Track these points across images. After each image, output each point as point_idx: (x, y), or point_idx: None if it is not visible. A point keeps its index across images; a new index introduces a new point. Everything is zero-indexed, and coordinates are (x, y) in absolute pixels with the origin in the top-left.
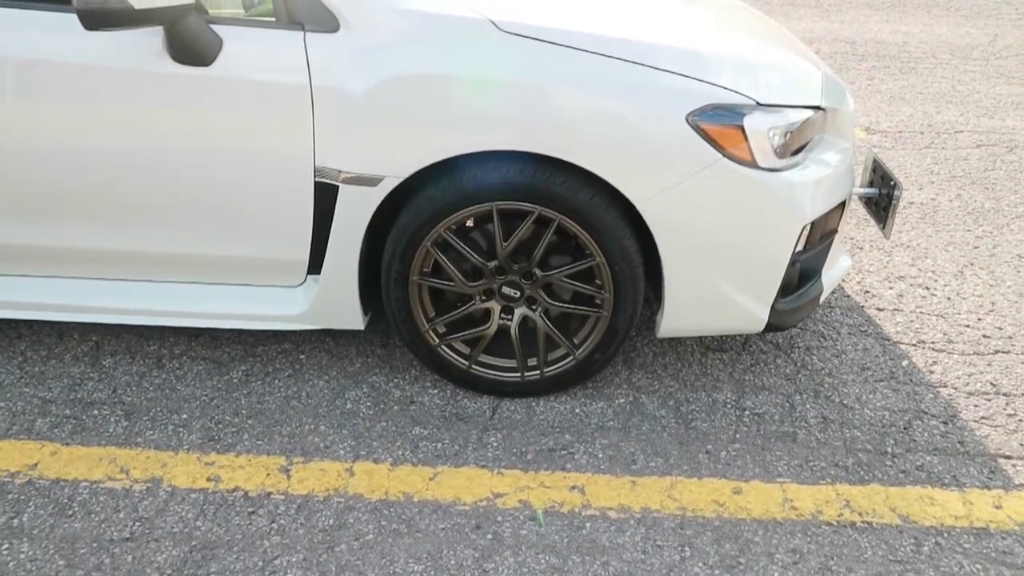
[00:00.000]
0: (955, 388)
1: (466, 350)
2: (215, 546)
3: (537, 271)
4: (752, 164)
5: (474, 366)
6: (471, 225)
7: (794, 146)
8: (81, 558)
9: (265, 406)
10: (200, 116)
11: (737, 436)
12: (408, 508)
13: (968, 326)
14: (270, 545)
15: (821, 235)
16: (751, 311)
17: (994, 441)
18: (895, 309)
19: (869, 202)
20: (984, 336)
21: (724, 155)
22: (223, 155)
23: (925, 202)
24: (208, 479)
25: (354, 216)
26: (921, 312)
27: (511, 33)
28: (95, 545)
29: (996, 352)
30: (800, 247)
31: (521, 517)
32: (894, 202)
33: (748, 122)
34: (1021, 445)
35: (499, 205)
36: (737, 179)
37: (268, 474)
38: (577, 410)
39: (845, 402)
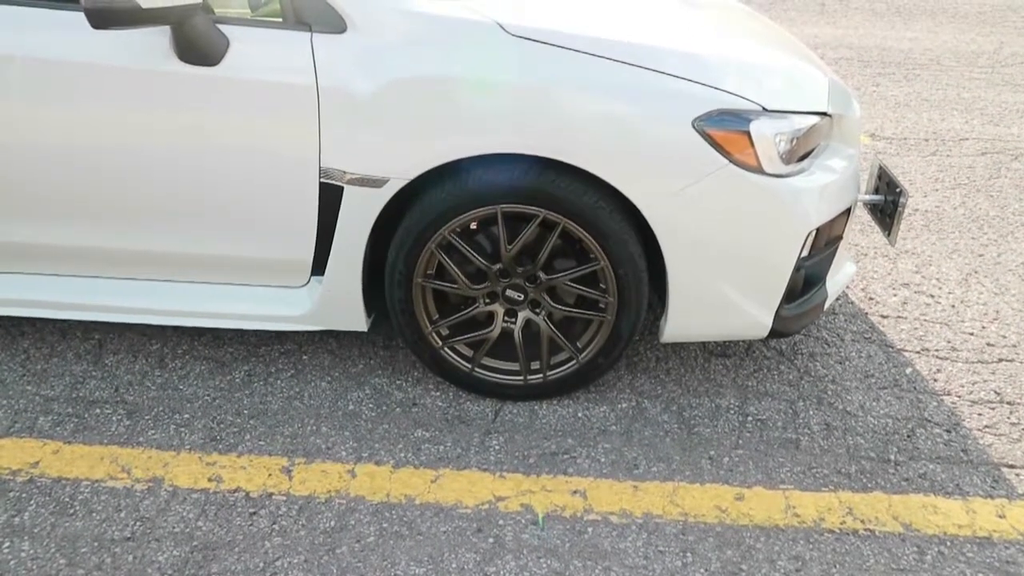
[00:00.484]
0: (959, 396)
1: (469, 353)
2: (216, 546)
3: (541, 274)
4: (758, 170)
5: (477, 369)
6: (475, 228)
7: (800, 152)
8: (82, 557)
9: (267, 406)
10: (205, 116)
11: (740, 442)
12: (410, 510)
13: (972, 334)
14: (271, 546)
15: (826, 241)
16: (755, 317)
17: (997, 450)
18: (899, 316)
19: (874, 209)
20: (988, 344)
21: (730, 161)
22: (228, 155)
23: (930, 209)
24: (210, 479)
25: (359, 218)
26: (925, 320)
27: (518, 36)
28: (96, 544)
29: (1000, 360)
30: (805, 253)
31: (523, 521)
32: (899, 209)
33: (754, 128)
34: None
35: (504, 208)
36: (743, 185)
37: (270, 475)
38: (580, 414)
39: (848, 409)
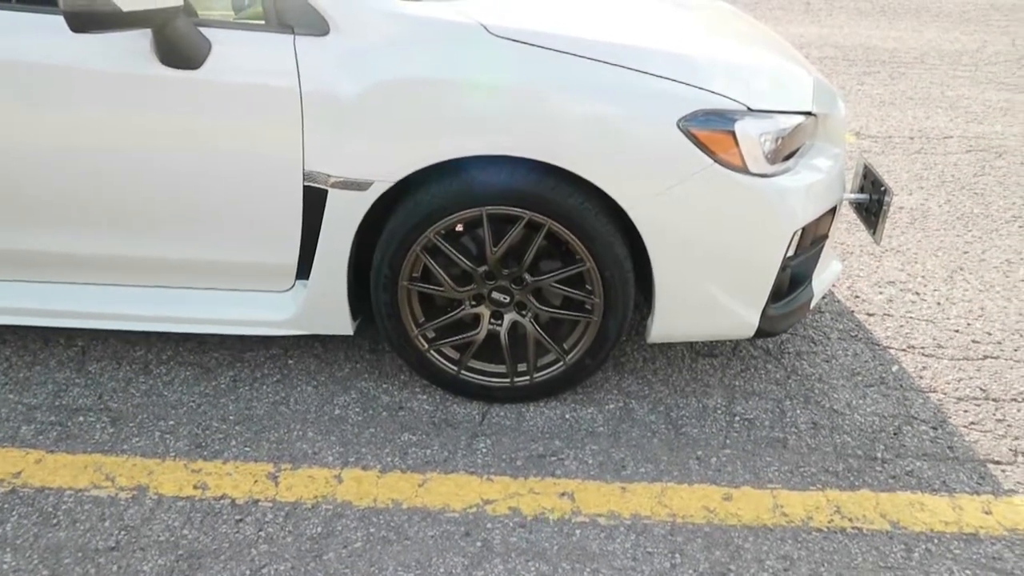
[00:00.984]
0: (944, 393)
1: (455, 355)
2: (202, 555)
3: (527, 276)
4: (743, 170)
5: (463, 371)
6: (461, 230)
7: (785, 151)
8: (66, 568)
9: (253, 412)
10: (188, 119)
11: (727, 442)
12: (397, 515)
13: (958, 331)
14: (258, 553)
15: (812, 240)
16: (742, 316)
17: (983, 446)
18: (885, 314)
19: (860, 207)
20: (973, 341)
21: (715, 160)
22: (211, 159)
23: (915, 207)
24: (195, 486)
25: (343, 221)
26: (911, 317)
27: (502, 37)
28: (80, 555)
29: (985, 357)
30: (791, 252)
31: (511, 524)
32: (884, 208)
33: (739, 128)
34: (1010, 450)
35: (489, 210)
36: (728, 184)
37: (256, 481)
38: (567, 416)
39: (835, 407)
